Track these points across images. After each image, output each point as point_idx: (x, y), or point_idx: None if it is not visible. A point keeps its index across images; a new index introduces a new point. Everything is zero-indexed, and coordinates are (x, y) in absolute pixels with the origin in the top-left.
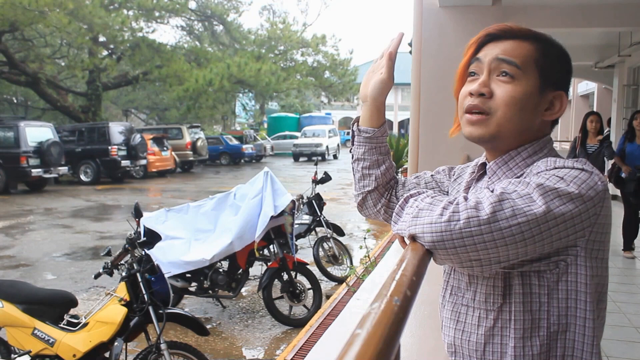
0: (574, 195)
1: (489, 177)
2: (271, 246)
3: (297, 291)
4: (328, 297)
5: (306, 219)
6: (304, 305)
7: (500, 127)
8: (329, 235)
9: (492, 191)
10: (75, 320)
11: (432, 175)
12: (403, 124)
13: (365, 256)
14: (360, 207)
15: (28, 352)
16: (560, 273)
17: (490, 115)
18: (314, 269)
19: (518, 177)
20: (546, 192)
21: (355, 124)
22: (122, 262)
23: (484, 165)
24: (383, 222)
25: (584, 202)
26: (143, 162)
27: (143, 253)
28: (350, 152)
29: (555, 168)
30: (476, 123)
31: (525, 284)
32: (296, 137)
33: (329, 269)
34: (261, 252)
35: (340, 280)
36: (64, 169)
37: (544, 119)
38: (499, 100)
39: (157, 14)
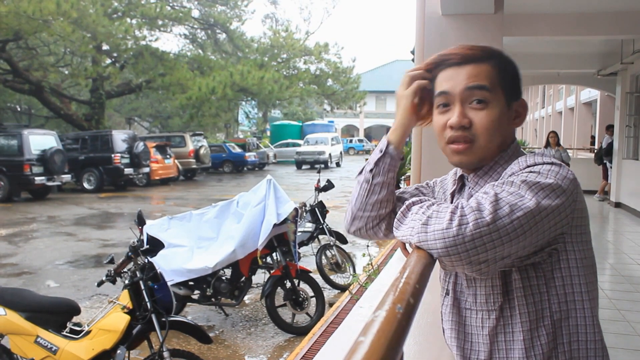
0: (554, 186)
1: (471, 188)
2: (274, 254)
3: (300, 299)
4: (331, 305)
5: (309, 226)
6: (307, 313)
7: (484, 150)
8: (331, 243)
9: (485, 193)
10: (78, 328)
11: (417, 188)
12: None
13: (368, 264)
14: (366, 231)
15: None
16: (554, 261)
17: (474, 142)
18: (317, 277)
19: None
20: (530, 187)
21: (391, 146)
22: (125, 269)
23: (462, 177)
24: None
25: (564, 191)
26: (146, 170)
27: (146, 261)
28: (370, 172)
29: (528, 166)
30: (462, 152)
31: (524, 277)
32: (299, 145)
33: (331, 277)
34: (264, 260)
35: (343, 288)
36: (67, 177)
37: (512, 127)
38: (479, 127)
39: (160, 22)
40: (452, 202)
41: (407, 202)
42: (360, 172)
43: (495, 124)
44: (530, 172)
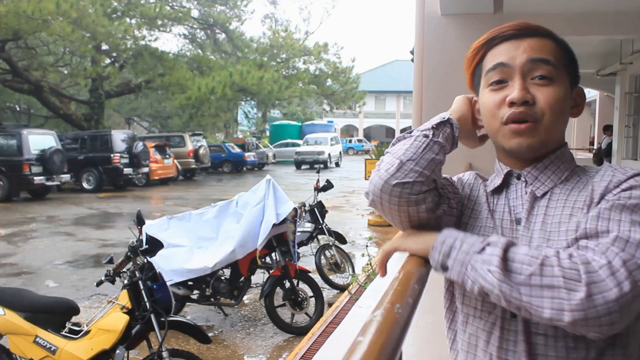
0: None
1: (530, 184)
2: (273, 254)
3: (299, 299)
4: (330, 305)
5: (308, 226)
6: (306, 313)
7: (548, 133)
8: (331, 243)
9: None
10: (77, 328)
11: (446, 179)
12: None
13: (367, 264)
14: (409, 194)
15: None
16: None
17: (538, 122)
18: (316, 277)
19: (563, 181)
20: None
21: (453, 119)
22: (124, 269)
23: (510, 173)
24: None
25: None
26: (145, 170)
27: (145, 261)
28: (432, 128)
29: (636, 175)
30: (525, 132)
31: None
32: (298, 145)
33: (331, 277)
34: (263, 260)
35: (342, 288)
36: (66, 177)
37: (570, 117)
38: (544, 105)
39: (159, 22)
40: (488, 203)
41: (498, 242)
42: (400, 138)
43: (561, 103)
44: None
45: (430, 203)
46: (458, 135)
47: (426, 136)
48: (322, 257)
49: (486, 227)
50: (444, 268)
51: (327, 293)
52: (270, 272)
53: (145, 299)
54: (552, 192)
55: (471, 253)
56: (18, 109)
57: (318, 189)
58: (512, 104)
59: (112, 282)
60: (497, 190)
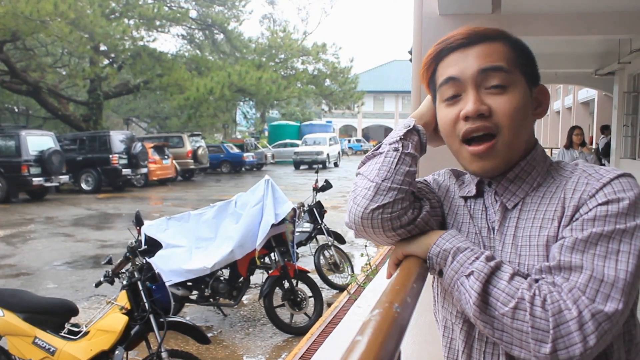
0: None
1: (501, 195)
2: (272, 254)
3: (298, 299)
4: (329, 305)
5: (307, 226)
6: (305, 313)
7: (511, 148)
8: (330, 243)
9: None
10: (76, 329)
11: (424, 183)
12: None
13: (366, 264)
14: (390, 212)
15: None
16: None
17: (497, 137)
18: (315, 277)
19: (535, 188)
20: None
21: (419, 126)
22: (123, 270)
23: (481, 183)
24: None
25: None
26: (144, 170)
27: (144, 261)
28: (400, 140)
29: (609, 183)
30: (485, 155)
31: None
32: (297, 145)
33: (330, 277)
34: (262, 260)
35: (341, 288)
36: (65, 178)
37: (534, 119)
38: (501, 115)
39: (158, 23)
40: (467, 206)
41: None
42: (369, 156)
43: (519, 111)
44: (626, 203)
45: (411, 213)
46: (426, 142)
47: (396, 150)
48: (321, 257)
49: (469, 232)
50: (440, 274)
51: (326, 293)
52: (269, 272)
53: (144, 300)
54: (523, 202)
55: (459, 273)
56: (16, 110)
57: (317, 189)
58: (467, 118)
59: (111, 282)
60: (474, 196)
